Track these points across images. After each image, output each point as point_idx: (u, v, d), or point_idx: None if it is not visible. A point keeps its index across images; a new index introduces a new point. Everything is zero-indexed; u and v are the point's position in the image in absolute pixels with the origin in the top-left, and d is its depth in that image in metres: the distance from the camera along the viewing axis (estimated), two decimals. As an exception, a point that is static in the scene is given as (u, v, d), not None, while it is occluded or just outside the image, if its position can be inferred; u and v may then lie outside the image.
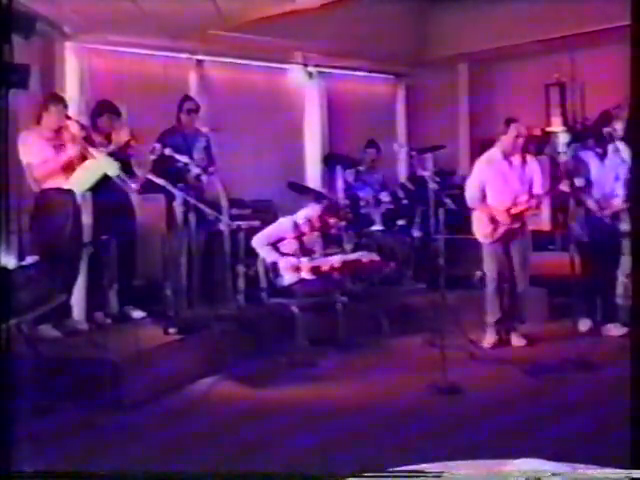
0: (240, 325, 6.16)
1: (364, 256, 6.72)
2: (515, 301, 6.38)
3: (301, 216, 6.58)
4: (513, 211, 6.22)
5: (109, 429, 4.39)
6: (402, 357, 6.13)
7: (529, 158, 6.43)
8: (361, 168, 8.23)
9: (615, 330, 6.39)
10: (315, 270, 6.41)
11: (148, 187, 6.14)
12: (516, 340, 6.35)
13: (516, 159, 6.36)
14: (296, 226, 6.52)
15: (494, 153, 6.45)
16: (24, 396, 4.11)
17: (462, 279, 6.66)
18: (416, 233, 7.71)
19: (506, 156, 6.36)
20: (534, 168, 6.39)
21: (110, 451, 4.03)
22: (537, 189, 6.32)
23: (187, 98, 7.11)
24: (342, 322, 6.35)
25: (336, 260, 6.56)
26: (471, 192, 6.36)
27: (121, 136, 5.96)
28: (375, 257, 6.81)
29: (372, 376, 5.56)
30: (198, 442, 4.22)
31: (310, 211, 6.59)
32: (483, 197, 6.35)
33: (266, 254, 6.38)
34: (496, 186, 6.34)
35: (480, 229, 6.34)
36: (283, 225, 6.52)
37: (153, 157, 6.17)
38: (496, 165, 6.37)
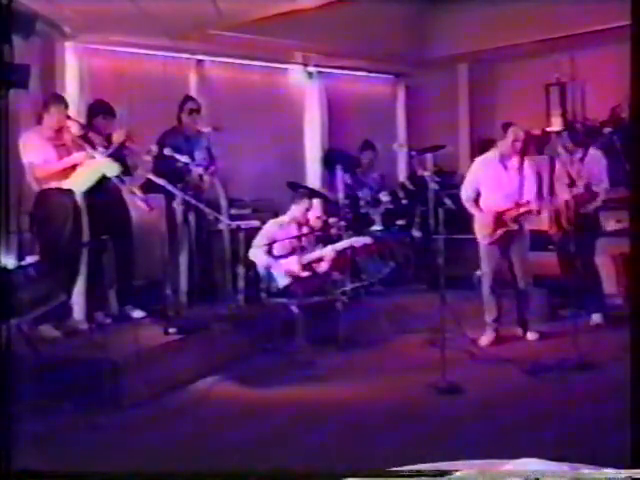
0: (240, 325, 6.16)
1: (357, 242, 6.73)
2: (520, 301, 6.45)
3: (287, 217, 6.61)
4: (512, 214, 6.26)
5: (109, 429, 4.39)
6: (402, 357, 6.13)
7: (527, 163, 6.43)
8: (359, 170, 8.24)
9: (598, 319, 6.68)
10: (307, 266, 6.43)
11: (148, 187, 6.14)
12: (530, 335, 6.46)
13: (513, 163, 6.39)
14: (283, 227, 6.54)
15: (491, 155, 6.54)
16: (24, 396, 4.11)
17: (462, 279, 6.65)
18: (416, 233, 7.71)
19: (503, 159, 6.41)
20: (530, 173, 6.40)
21: (110, 451, 4.04)
22: (527, 195, 6.33)
23: (189, 99, 7.10)
24: (342, 322, 6.35)
25: (327, 251, 6.57)
26: (466, 191, 6.47)
27: (117, 137, 5.97)
28: (368, 240, 6.82)
29: (372, 376, 5.56)
30: (198, 442, 4.22)
31: (295, 211, 6.61)
32: (477, 197, 6.42)
33: (259, 258, 6.39)
34: (489, 187, 6.41)
35: (481, 229, 6.38)
36: (272, 227, 6.54)
37: (148, 158, 6.18)
38: (491, 167, 6.44)
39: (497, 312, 6.43)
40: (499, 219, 6.30)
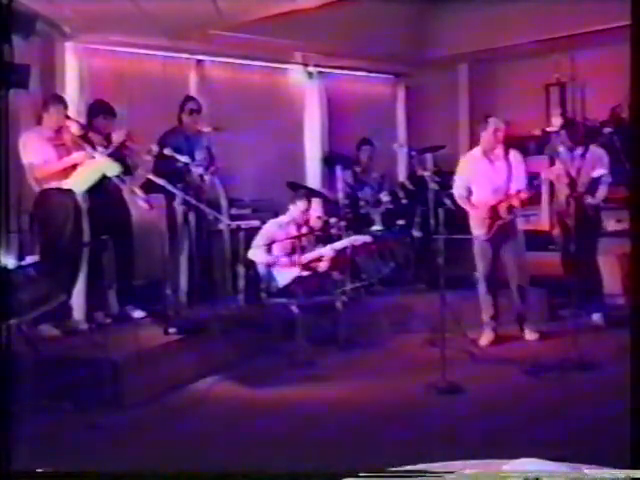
0: (240, 325, 6.16)
1: (356, 240, 6.73)
2: (518, 300, 6.43)
3: (286, 217, 6.61)
4: (505, 205, 6.25)
5: (109, 429, 4.39)
6: (402, 357, 6.13)
7: (512, 152, 6.43)
8: (358, 169, 8.24)
9: (598, 319, 6.72)
10: (307, 265, 6.44)
11: (148, 187, 6.15)
12: (529, 335, 6.42)
13: (497, 154, 6.39)
14: (282, 227, 6.54)
15: (475, 151, 6.55)
16: (24, 396, 4.11)
17: (462, 279, 6.65)
18: (416, 233, 7.71)
19: (486, 152, 6.40)
20: (517, 162, 6.39)
21: (110, 451, 4.04)
22: (517, 184, 6.32)
23: (189, 99, 7.10)
24: (342, 322, 6.35)
25: (326, 250, 6.56)
26: (457, 190, 6.47)
27: (117, 136, 5.98)
28: (367, 239, 6.82)
29: (372, 376, 5.56)
30: (198, 442, 4.22)
31: (293, 212, 6.61)
32: (469, 194, 6.43)
33: (259, 256, 6.39)
34: (478, 183, 6.41)
35: (476, 225, 6.38)
36: (271, 227, 6.54)
37: (149, 158, 6.19)
38: (477, 163, 6.44)
39: (494, 310, 6.43)
40: (493, 213, 6.28)
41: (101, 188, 5.92)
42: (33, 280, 4.96)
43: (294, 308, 6.11)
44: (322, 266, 6.56)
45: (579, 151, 6.70)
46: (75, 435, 4.29)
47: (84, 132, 5.95)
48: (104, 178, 5.87)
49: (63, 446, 4.07)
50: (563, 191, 6.65)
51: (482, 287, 6.45)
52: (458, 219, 6.47)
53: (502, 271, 6.47)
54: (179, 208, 6.06)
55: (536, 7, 8.08)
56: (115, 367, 4.91)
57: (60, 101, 5.90)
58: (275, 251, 6.46)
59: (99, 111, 6.32)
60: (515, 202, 6.26)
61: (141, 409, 4.81)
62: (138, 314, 6.27)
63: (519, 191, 6.28)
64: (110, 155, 5.90)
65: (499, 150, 6.39)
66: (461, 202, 6.44)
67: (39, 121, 5.79)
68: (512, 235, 6.36)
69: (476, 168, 6.42)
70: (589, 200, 6.56)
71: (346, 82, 9.37)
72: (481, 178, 6.39)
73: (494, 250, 6.37)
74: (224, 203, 6.62)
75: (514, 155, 6.42)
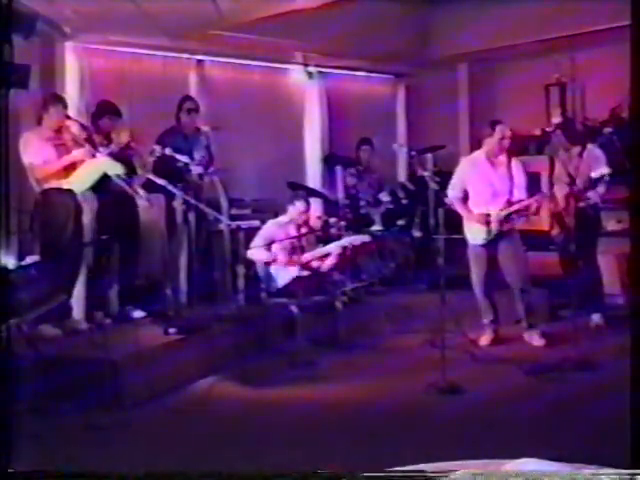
0: (240, 325, 6.16)
1: (355, 240, 6.72)
2: (522, 304, 6.37)
3: (285, 218, 6.61)
4: (503, 213, 6.23)
5: (109, 429, 4.39)
6: (402, 357, 6.13)
7: (514, 161, 6.39)
8: (359, 168, 8.24)
9: (598, 319, 6.71)
10: (307, 265, 6.43)
11: (148, 187, 6.15)
12: (537, 341, 6.33)
13: (500, 161, 6.36)
14: (281, 228, 6.54)
15: (478, 154, 6.50)
16: (24, 396, 4.10)
17: (462, 279, 6.65)
18: (416, 233, 7.71)
19: (490, 158, 6.37)
20: (518, 172, 6.35)
21: (110, 451, 4.04)
22: (518, 194, 6.28)
23: (187, 98, 7.13)
24: (342, 322, 6.35)
25: (331, 248, 6.56)
26: (453, 191, 6.44)
27: (121, 137, 5.98)
28: (366, 239, 6.82)
29: (372, 376, 5.56)
30: (198, 442, 4.22)
31: (292, 212, 6.61)
32: (465, 197, 6.40)
33: (258, 255, 6.40)
34: (477, 186, 6.38)
35: (471, 231, 6.36)
36: (270, 228, 6.54)
37: (152, 159, 6.19)
38: (479, 166, 6.40)
39: (493, 313, 6.42)
40: (490, 219, 6.26)
41: (110, 188, 5.92)
42: (33, 280, 4.97)
43: (294, 308, 6.11)
44: (325, 265, 6.53)
45: (577, 150, 6.70)
46: (75, 435, 4.30)
47: (88, 133, 5.94)
48: (109, 178, 5.86)
49: (63, 446, 4.07)
50: (562, 191, 6.64)
51: (479, 292, 6.42)
52: (458, 219, 6.47)
53: (501, 274, 6.44)
54: (179, 208, 6.06)
55: (536, 7, 8.08)
56: (115, 367, 4.91)
57: (60, 101, 5.91)
58: (274, 251, 6.46)
59: (105, 111, 6.32)
60: (514, 210, 6.24)
61: (141, 409, 4.81)
62: (138, 314, 6.27)
63: (520, 200, 6.25)
64: (114, 155, 5.90)
65: (503, 157, 6.36)
66: (454, 202, 6.39)
67: (39, 121, 5.79)
68: (509, 239, 6.32)
69: (477, 171, 6.39)
70: (587, 198, 6.55)
71: (346, 82, 9.38)
72: (481, 181, 6.35)
73: (490, 255, 6.35)
74: (224, 203, 6.62)
75: (516, 164, 6.37)
